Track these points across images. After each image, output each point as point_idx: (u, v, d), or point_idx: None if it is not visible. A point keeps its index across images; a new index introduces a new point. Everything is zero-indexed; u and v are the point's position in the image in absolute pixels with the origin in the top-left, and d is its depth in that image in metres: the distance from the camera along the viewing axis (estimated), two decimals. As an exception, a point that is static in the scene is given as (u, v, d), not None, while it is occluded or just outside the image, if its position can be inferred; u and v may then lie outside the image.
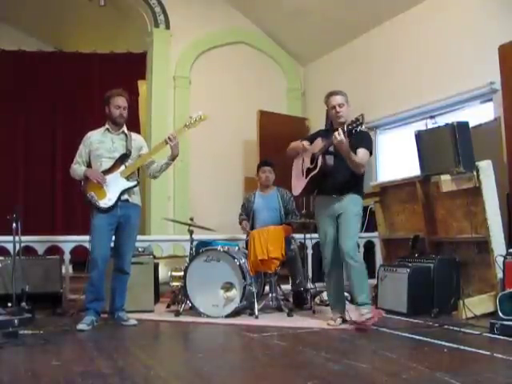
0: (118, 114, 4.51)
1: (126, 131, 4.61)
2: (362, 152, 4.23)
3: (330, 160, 4.23)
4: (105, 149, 4.50)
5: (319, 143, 4.27)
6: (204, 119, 4.62)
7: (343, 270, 4.42)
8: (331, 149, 4.20)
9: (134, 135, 4.68)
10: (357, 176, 4.32)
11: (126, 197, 4.47)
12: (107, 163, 4.47)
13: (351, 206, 4.31)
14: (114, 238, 4.53)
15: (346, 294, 4.63)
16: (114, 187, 4.42)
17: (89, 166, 4.55)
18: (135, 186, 4.54)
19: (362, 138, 4.29)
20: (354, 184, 4.34)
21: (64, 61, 8.99)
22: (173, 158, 4.57)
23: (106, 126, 4.58)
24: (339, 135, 3.97)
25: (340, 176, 4.25)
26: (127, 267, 4.55)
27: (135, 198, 4.57)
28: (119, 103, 4.52)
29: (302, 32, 8.50)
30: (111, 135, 4.55)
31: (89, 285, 4.42)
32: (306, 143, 4.38)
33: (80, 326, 4.21)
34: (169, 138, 4.47)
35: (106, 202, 4.40)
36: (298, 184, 4.51)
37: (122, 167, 4.48)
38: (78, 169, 4.53)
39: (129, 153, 4.52)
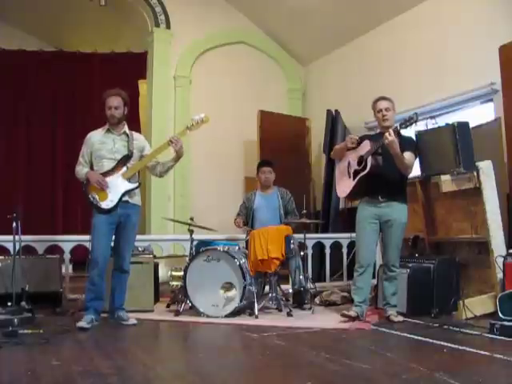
0: (109, 114, 4.52)
1: (127, 132, 4.61)
2: (408, 155, 4.38)
3: (380, 160, 4.37)
4: (106, 149, 4.50)
5: (367, 145, 4.38)
6: (206, 121, 4.62)
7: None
8: (379, 151, 4.33)
9: (135, 135, 4.68)
10: (402, 181, 4.47)
11: (126, 198, 4.48)
12: (109, 164, 4.47)
13: (399, 215, 4.46)
14: (114, 237, 4.54)
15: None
16: (116, 189, 4.43)
17: (92, 166, 4.56)
18: (137, 188, 4.55)
19: (406, 141, 4.47)
20: (400, 189, 4.49)
21: (64, 60, 8.99)
22: (177, 158, 4.59)
23: (107, 126, 4.58)
24: (390, 135, 4.13)
25: (388, 178, 4.37)
26: (127, 266, 4.56)
27: (135, 199, 4.58)
28: (110, 104, 4.52)
29: (303, 32, 8.51)
30: (113, 135, 4.55)
31: (89, 284, 4.43)
32: (353, 135, 4.52)
33: (80, 324, 4.22)
34: (171, 140, 4.46)
35: (108, 203, 4.41)
36: (345, 186, 4.61)
37: (124, 169, 4.48)
38: (81, 171, 4.55)
39: (131, 154, 4.52)
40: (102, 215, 4.41)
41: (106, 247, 4.43)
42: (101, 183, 4.37)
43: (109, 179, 4.43)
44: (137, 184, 4.53)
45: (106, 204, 4.40)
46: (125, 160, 4.50)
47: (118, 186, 4.43)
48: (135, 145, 4.58)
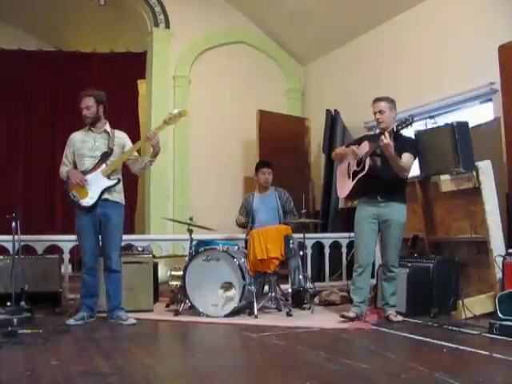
0: (83, 115, 4.61)
1: (108, 129, 4.67)
2: (406, 156, 4.36)
3: (378, 162, 4.36)
4: (87, 148, 4.58)
5: (366, 146, 4.39)
6: (184, 115, 4.67)
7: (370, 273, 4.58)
8: (378, 151, 4.33)
9: (117, 133, 4.72)
10: (401, 181, 4.45)
11: (106, 196, 4.53)
12: (89, 162, 4.55)
13: (398, 215, 4.45)
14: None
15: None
16: (96, 186, 4.50)
17: (75, 165, 4.63)
18: (116, 185, 4.59)
19: (406, 142, 4.47)
20: (399, 190, 4.48)
21: (64, 60, 8.97)
22: (155, 154, 4.63)
23: (88, 126, 4.66)
24: (386, 138, 4.13)
25: (386, 178, 4.36)
26: (115, 266, 4.57)
27: (116, 196, 4.61)
28: (81, 105, 4.62)
29: (302, 32, 8.50)
30: (93, 134, 4.63)
31: (80, 283, 4.60)
32: (355, 147, 4.47)
33: (68, 321, 4.36)
34: (148, 136, 4.51)
35: (88, 200, 4.49)
36: (344, 186, 4.62)
37: (104, 166, 4.55)
38: (64, 170, 4.63)
39: (110, 151, 4.58)
40: (84, 216, 4.51)
41: (91, 247, 4.54)
42: (80, 181, 4.45)
43: (89, 177, 4.50)
44: (116, 180, 4.58)
45: (86, 202, 4.49)
46: (104, 157, 4.57)
47: (97, 183, 4.50)
48: (116, 142, 4.64)
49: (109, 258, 4.55)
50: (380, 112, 4.43)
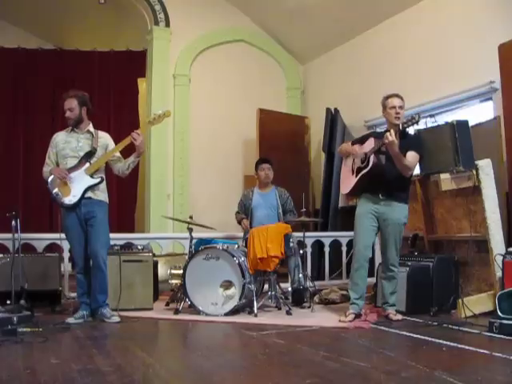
0: (66, 116, 4.61)
1: (91, 130, 4.67)
2: (411, 155, 4.33)
3: (383, 159, 4.34)
4: (70, 148, 4.59)
5: (371, 143, 4.37)
6: (167, 116, 4.69)
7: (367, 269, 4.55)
8: (383, 149, 4.31)
9: (100, 133, 4.73)
10: (404, 181, 4.43)
11: (89, 194, 4.54)
12: (72, 162, 4.56)
13: (398, 215, 4.43)
14: None
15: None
16: (79, 184, 4.51)
17: (58, 166, 4.64)
18: (100, 183, 4.59)
19: (412, 140, 4.44)
20: (401, 189, 4.45)
21: (64, 59, 8.97)
22: (138, 154, 4.62)
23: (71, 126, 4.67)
24: (391, 136, 4.11)
25: (389, 177, 4.34)
26: (102, 263, 4.55)
27: (100, 195, 4.62)
28: (64, 107, 4.61)
29: (302, 30, 8.50)
30: (77, 135, 4.64)
31: (76, 282, 4.64)
32: (358, 148, 4.48)
33: (67, 320, 4.38)
34: (133, 136, 4.49)
35: (71, 198, 4.49)
36: (348, 182, 4.61)
37: (87, 164, 4.56)
38: (46, 171, 4.65)
39: (94, 150, 4.59)
40: (71, 216, 4.51)
41: (80, 246, 4.54)
42: (62, 174, 4.46)
43: (72, 175, 4.51)
44: (100, 179, 4.58)
45: (68, 200, 4.50)
46: (88, 156, 4.58)
47: (80, 181, 4.51)
48: (100, 142, 4.64)
49: (96, 256, 4.52)
50: (400, 107, 4.41)
